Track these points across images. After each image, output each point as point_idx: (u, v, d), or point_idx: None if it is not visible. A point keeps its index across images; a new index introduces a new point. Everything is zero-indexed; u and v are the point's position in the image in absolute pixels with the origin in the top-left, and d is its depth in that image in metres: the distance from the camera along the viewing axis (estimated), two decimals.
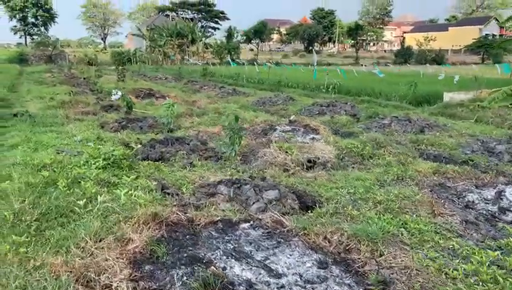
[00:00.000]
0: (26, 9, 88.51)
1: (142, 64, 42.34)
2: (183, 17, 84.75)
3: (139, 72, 35.11)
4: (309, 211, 5.46)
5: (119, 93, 17.30)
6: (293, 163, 7.32)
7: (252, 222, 4.97)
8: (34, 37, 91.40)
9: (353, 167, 7.64)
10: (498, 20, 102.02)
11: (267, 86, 23.61)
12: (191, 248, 4.35)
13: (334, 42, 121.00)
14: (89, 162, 6.62)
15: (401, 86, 17.50)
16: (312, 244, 4.46)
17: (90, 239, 4.22)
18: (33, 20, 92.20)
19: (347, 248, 4.36)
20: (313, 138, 9.68)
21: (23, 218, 4.42)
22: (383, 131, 10.49)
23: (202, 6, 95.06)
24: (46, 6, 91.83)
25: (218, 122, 11.97)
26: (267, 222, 4.93)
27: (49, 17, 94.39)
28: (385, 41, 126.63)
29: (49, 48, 60.00)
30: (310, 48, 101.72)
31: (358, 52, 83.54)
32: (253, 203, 5.39)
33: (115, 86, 21.96)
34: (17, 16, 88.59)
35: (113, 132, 10.44)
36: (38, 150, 8.04)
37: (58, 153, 7.64)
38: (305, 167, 7.39)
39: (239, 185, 5.83)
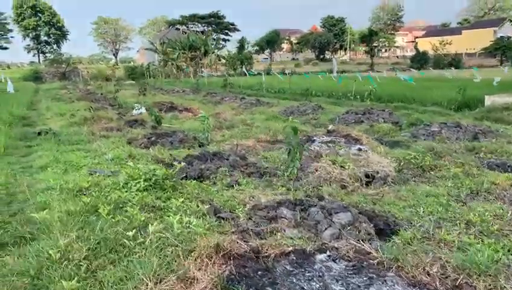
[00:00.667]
0: (39, 28, 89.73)
1: (159, 77, 41.99)
2: (193, 30, 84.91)
3: (154, 86, 34.74)
4: (387, 236, 4.73)
5: (141, 107, 16.81)
6: (350, 178, 6.59)
7: (329, 252, 4.25)
8: (47, 54, 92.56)
9: (414, 181, 6.89)
10: None
11: (288, 95, 22.94)
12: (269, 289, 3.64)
13: (345, 49, 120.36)
14: (128, 184, 5.97)
15: (434, 91, 16.72)
16: (412, 280, 3.72)
17: (150, 280, 3.54)
18: (46, 38, 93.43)
19: (456, 284, 3.61)
20: (360, 149, 8.94)
21: (70, 256, 3.75)
22: (433, 139, 9.71)
23: (212, 19, 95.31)
24: (58, 24, 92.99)
25: (249, 134, 11.32)
26: (347, 252, 4.20)
27: (61, 34, 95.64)
28: (397, 47, 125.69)
29: (63, 65, 60.36)
30: (322, 56, 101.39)
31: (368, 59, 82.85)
32: (325, 228, 4.67)
33: (135, 100, 21.52)
34: (30, 34, 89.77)
35: (143, 148, 9.82)
36: (68, 171, 7.44)
37: (91, 174, 7.02)
38: (363, 182, 6.65)
39: (304, 207, 5.13)
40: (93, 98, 23.71)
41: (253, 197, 5.98)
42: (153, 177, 6.05)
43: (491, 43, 76.81)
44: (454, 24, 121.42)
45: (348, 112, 13.93)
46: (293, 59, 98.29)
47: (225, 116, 15.76)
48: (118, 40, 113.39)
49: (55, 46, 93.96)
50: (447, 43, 71.49)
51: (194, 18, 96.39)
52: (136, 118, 14.61)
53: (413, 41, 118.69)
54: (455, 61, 67.79)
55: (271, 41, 75.62)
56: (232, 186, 6.61)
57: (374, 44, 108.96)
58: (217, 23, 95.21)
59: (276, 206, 5.26)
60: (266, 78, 28.86)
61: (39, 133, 10.80)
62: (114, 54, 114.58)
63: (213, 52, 61.84)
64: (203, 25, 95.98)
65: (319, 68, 68.44)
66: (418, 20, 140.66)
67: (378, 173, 6.80)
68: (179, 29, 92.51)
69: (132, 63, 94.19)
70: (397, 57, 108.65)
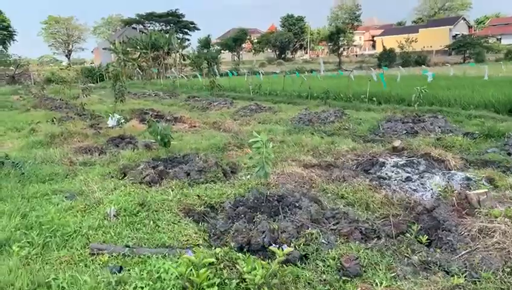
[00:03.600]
0: None
1: (127, 79, 38.17)
2: (151, 30, 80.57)
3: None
4: None
5: (118, 117, 13.59)
6: None
7: None
8: None
9: None
10: (466, 20, 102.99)
11: (283, 97, 20.12)
12: None
13: (304, 49, 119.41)
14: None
15: (462, 91, 14.43)
16: None
17: None
18: None
19: None
20: (469, 179, 6.28)
21: None
22: None
23: (170, 18, 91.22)
24: (3, 24, 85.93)
25: (283, 154, 8.46)
26: None
27: (8, 35, 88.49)
28: (355, 45, 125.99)
29: (11, 68, 54.84)
30: (283, 55, 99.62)
31: (330, 57, 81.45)
32: None
33: (104, 107, 18.10)
34: None
35: (150, 184, 6.75)
36: (49, 247, 4.31)
37: (95, 253, 3.98)
38: None
39: None
40: (52, 105, 20.01)
41: None
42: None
43: (455, 40, 77.37)
44: (409, 23, 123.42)
45: (390, 119, 11.30)
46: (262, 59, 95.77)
47: (228, 126, 12.79)
48: (71, 41, 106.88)
49: (1, 47, 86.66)
50: (412, 40, 71.09)
51: (151, 17, 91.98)
52: (117, 132, 11.39)
53: (371, 40, 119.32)
54: (421, 59, 67.59)
55: (238, 40, 72.44)
56: (347, 275, 3.74)
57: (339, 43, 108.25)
58: (176, 22, 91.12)
59: None
60: (239, 79, 25.96)
61: None
62: (66, 55, 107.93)
63: (177, 52, 58.14)
64: (161, 24, 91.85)
65: (284, 68, 66.11)
66: (373, 18, 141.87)
67: None
68: (136, 28, 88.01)
69: (85, 64, 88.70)
70: (356, 55, 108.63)
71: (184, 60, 60.63)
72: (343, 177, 6.95)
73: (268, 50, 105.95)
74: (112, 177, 7.28)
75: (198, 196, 6.04)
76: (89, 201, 5.58)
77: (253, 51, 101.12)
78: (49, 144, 10.17)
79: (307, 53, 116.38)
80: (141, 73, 47.07)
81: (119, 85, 13.84)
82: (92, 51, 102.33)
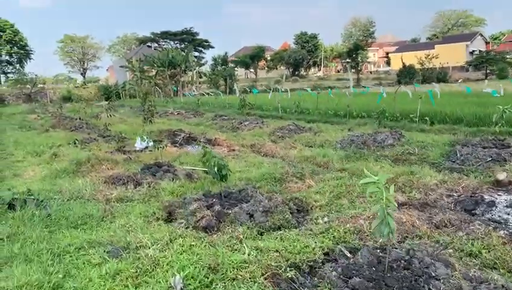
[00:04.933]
0: (0, 47, 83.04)
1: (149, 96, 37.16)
2: (165, 48, 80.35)
3: (141, 107, 30.04)
4: None
5: (147, 139, 12.32)
6: None
7: None
8: (8, 75, 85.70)
9: None
10: (483, 36, 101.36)
11: (316, 116, 18.75)
12: None
13: (318, 66, 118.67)
14: None
15: None
16: None
17: None
18: (7, 57, 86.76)
19: None
20: None
21: None
22: None
23: (185, 36, 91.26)
24: (20, 43, 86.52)
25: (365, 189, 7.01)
26: None
27: (25, 54, 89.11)
28: (369, 62, 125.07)
29: (27, 86, 54.44)
30: (297, 72, 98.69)
31: (346, 74, 79.99)
32: None
33: (128, 128, 16.85)
34: None
35: (207, 229, 5.36)
36: None
37: None
38: None
39: None
40: (71, 125, 18.87)
41: None
42: None
43: (477, 56, 75.77)
44: (423, 39, 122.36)
45: (466, 143, 9.80)
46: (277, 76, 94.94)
47: (270, 150, 11.41)
48: (86, 59, 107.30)
49: (18, 66, 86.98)
50: (433, 56, 69.50)
51: (166, 35, 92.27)
52: (149, 156, 10.05)
53: (385, 57, 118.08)
54: (441, 75, 66.10)
55: (255, 57, 71.54)
56: None
57: (347, 60, 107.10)
58: (190, 40, 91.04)
59: None
60: (263, 97, 24.65)
61: (10, 206, 6.04)
62: (82, 74, 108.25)
63: (194, 69, 57.33)
64: (176, 42, 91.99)
65: (299, 85, 64.89)
66: (387, 36, 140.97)
67: None
68: (151, 46, 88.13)
69: (99, 82, 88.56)
70: (370, 72, 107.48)
71: (201, 77, 59.81)
72: (449, 221, 5.48)
73: (282, 67, 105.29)
74: (158, 219, 5.91)
75: (277, 251, 4.62)
76: (141, 263, 4.17)
77: (266, 68, 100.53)
78: (75, 173, 8.87)
79: (320, 70, 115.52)
80: (161, 91, 46.06)
81: (148, 104, 12.57)
82: (106, 69, 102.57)
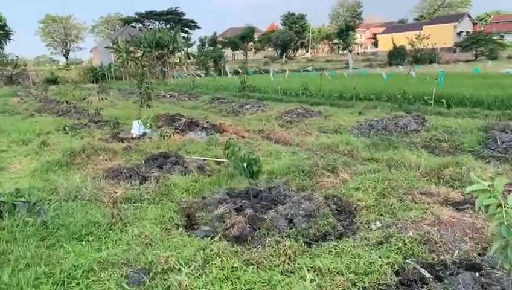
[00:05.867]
0: None
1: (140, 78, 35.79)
2: (150, 28, 78.14)
3: (127, 90, 28.69)
4: None
5: (144, 125, 11.22)
6: None
7: None
8: None
9: None
10: (471, 17, 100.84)
11: (320, 99, 17.78)
12: None
13: (305, 47, 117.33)
14: None
15: None
16: None
17: None
18: None
19: None
20: None
21: None
22: None
23: (170, 16, 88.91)
24: None
25: (411, 184, 6.04)
26: None
27: (4, 34, 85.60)
28: (356, 44, 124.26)
29: (8, 68, 52.25)
30: (285, 54, 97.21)
31: (331, 55, 79.09)
32: None
33: (121, 112, 15.68)
34: None
35: (239, 239, 4.39)
36: None
37: None
38: None
39: None
40: (58, 109, 17.54)
41: None
42: None
43: (466, 37, 75.20)
44: (411, 20, 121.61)
45: (505, 129, 8.90)
46: (265, 57, 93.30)
47: (281, 136, 10.40)
48: (68, 40, 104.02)
49: None
50: (424, 37, 68.64)
51: (151, 15, 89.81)
52: (165, 153, 8.96)
53: (372, 38, 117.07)
54: (431, 56, 65.51)
55: (246, 37, 69.80)
56: None
57: (334, 42, 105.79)
58: (176, 20, 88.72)
59: None
60: (259, 78, 23.56)
61: None
62: (64, 55, 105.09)
63: (182, 50, 55.60)
64: (161, 22, 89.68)
65: (289, 66, 63.69)
66: (374, 17, 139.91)
67: None
68: (135, 27, 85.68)
69: (83, 64, 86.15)
70: (358, 54, 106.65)
71: (189, 58, 58.15)
72: None
73: (269, 49, 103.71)
74: (177, 226, 4.91)
75: (340, 272, 3.67)
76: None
77: (253, 49, 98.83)
78: (69, 165, 7.77)
79: (307, 51, 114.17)
80: (148, 73, 44.52)
81: (145, 86, 11.41)
82: (90, 50, 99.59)
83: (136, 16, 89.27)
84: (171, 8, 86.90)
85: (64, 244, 4.31)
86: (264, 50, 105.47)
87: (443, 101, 13.22)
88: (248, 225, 4.70)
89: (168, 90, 26.96)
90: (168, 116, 13.12)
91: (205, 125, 11.54)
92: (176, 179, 6.59)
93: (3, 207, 4.96)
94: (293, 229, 4.69)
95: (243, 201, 5.27)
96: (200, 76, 34.50)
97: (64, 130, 12.05)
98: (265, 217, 4.82)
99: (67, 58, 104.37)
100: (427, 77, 19.34)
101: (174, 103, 20.37)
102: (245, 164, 5.08)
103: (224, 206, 5.03)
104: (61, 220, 4.81)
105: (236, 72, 37.45)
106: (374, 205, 5.34)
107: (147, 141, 10.18)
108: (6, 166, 8.08)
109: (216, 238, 4.33)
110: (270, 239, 4.40)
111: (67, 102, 20.25)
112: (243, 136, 10.41)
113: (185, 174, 7.01)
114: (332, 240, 4.58)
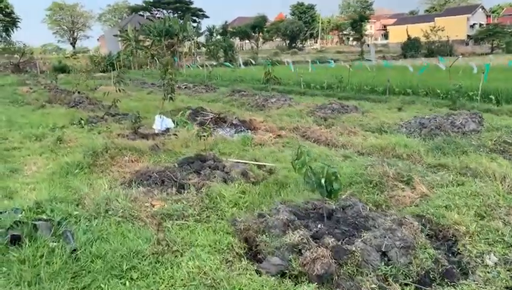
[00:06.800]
0: None
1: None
2: (158, 17, 76.94)
3: (141, 79, 27.68)
4: None
5: (166, 120, 10.25)
6: None
7: None
8: None
9: None
10: (485, 9, 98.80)
11: (349, 93, 16.69)
12: None
13: (314, 38, 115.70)
14: None
15: None
16: None
17: None
18: None
19: None
20: None
21: None
22: None
23: (178, 4, 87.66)
24: (6, 10, 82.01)
25: (495, 204, 5.00)
26: None
27: (11, 21, 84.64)
28: (366, 35, 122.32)
29: (16, 56, 51.25)
30: (294, 44, 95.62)
31: (341, 46, 77.54)
32: None
33: (139, 105, 14.67)
34: None
35: (325, 281, 3.37)
36: None
37: None
38: None
39: None
40: (70, 100, 16.52)
41: None
42: None
43: (482, 29, 73.45)
44: (422, 12, 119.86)
45: None
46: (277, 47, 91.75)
47: (320, 136, 9.33)
48: (76, 28, 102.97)
49: (4, 34, 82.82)
50: (439, 29, 67.03)
51: (159, 3, 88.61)
52: (202, 155, 7.94)
53: (382, 30, 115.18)
54: (446, 48, 63.97)
55: (257, 27, 68.25)
56: None
57: (344, 33, 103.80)
58: (184, 9, 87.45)
59: None
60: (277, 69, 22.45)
61: (15, 240, 3.89)
62: (71, 43, 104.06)
63: (192, 39, 54.33)
64: (169, 11, 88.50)
65: (301, 57, 62.32)
66: (383, 8, 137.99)
67: None
68: (143, 15, 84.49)
69: (89, 52, 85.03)
70: (368, 45, 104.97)
71: (199, 48, 56.91)
72: None
73: (278, 39, 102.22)
74: (240, 256, 3.89)
75: None
76: None
77: (262, 39, 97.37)
78: (91, 168, 6.77)
79: (316, 42, 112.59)
80: (158, 62, 43.39)
81: (169, 78, 10.35)
82: (97, 39, 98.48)
83: (144, 4, 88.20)
84: None
85: (102, 284, 3.32)
86: (273, 40, 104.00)
87: (491, 97, 12.09)
88: (332, 258, 3.68)
89: (181, 81, 25.89)
90: (189, 110, 12.08)
91: (234, 122, 10.50)
92: (219, 188, 5.56)
93: (21, 228, 3.94)
94: (390, 266, 3.66)
95: (318, 225, 4.23)
96: (212, 66, 33.36)
97: (80, 123, 11.07)
98: (353, 248, 3.79)
99: (74, 46, 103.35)
100: (459, 71, 18.21)
101: (190, 95, 19.32)
102: (323, 180, 4.03)
103: (298, 233, 3.99)
104: (94, 249, 3.79)
105: (247, 63, 36.28)
106: (477, 232, 4.30)
107: (173, 137, 9.16)
108: (20, 167, 7.08)
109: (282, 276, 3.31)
110: (368, 281, 3.38)
111: (78, 92, 19.24)
112: (279, 135, 9.35)
113: (226, 181, 6.00)
114: (438, 281, 3.57)
